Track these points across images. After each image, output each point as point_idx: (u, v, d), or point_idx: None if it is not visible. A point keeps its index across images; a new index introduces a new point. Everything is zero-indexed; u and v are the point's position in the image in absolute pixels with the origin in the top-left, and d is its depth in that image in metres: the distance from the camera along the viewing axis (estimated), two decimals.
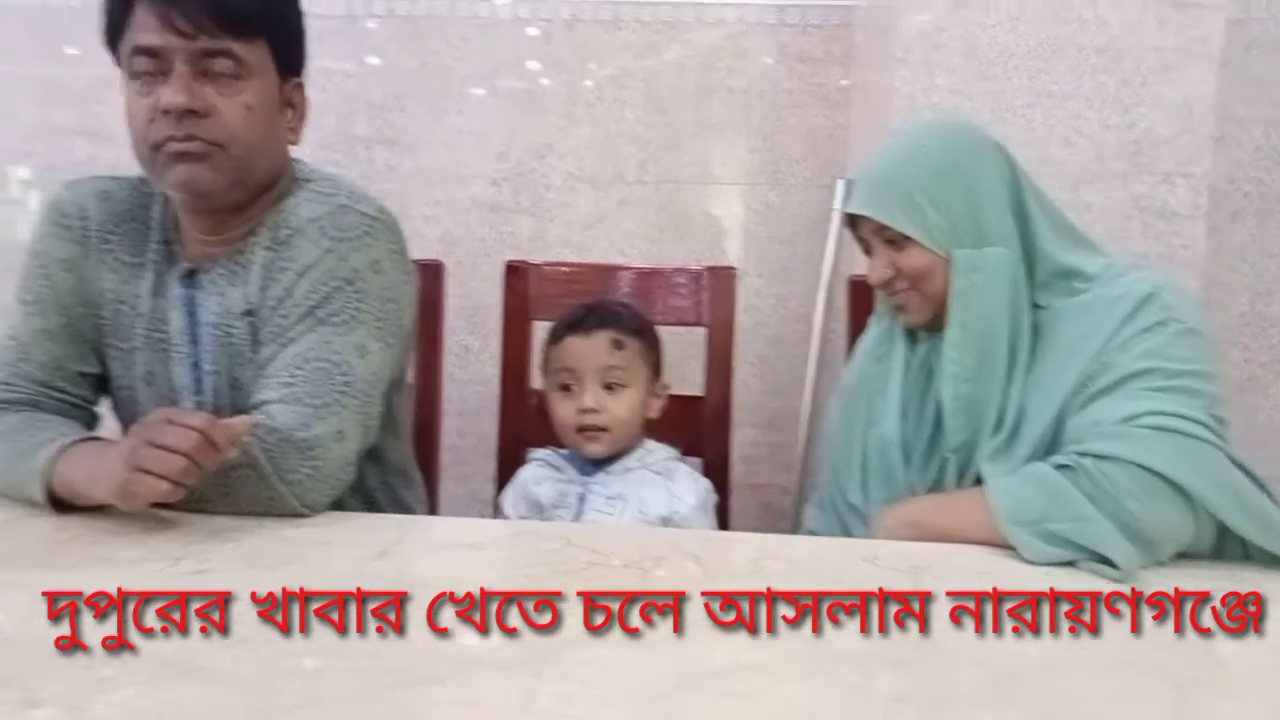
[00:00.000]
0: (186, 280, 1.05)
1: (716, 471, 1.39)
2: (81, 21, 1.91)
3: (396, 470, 1.20)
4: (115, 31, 0.98)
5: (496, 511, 1.27)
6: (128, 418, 1.12)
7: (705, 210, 1.95)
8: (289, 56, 1.04)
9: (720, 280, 1.46)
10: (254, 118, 0.99)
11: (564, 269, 1.50)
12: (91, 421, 1.10)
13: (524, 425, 1.46)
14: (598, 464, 1.17)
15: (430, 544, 0.90)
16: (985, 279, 0.98)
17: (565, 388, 1.17)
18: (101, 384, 1.11)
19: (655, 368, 1.21)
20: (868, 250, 1.07)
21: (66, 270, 1.07)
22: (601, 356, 1.15)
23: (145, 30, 0.94)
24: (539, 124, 1.94)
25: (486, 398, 1.75)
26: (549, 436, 1.27)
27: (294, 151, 1.09)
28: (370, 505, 1.14)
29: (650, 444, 1.20)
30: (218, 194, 1.00)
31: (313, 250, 1.01)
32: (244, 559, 0.80)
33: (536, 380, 1.49)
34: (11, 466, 0.95)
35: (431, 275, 1.44)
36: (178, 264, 1.06)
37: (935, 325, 1.03)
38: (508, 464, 1.45)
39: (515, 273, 1.49)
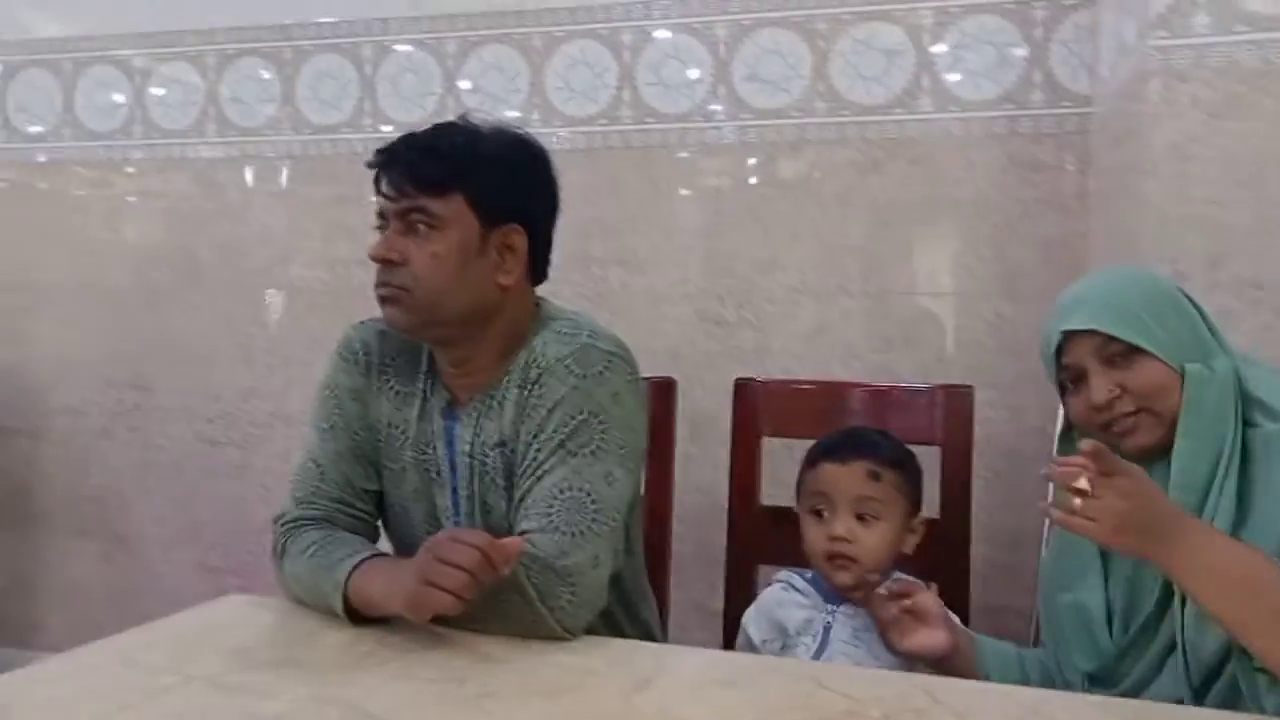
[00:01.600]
0: (447, 412, 1.17)
1: (955, 596, 1.34)
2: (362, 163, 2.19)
3: (633, 587, 1.25)
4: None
5: (731, 626, 1.28)
6: (398, 532, 1.24)
7: (933, 321, 1.92)
8: (490, 207, 1.14)
9: (956, 399, 1.43)
10: (441, 264, 1.10)
11: (793, 386, 1.52)
12: (374, 535, 1.23)
13: (753, 542, 1.48)
14: (845, 593, 1.16)
15: (687, 679, 0.92)
16: (1216, 391, 0.98)
17: (817, 512, 1.18)
18: (380, 500, 1.24)
19: (913, 501, 1.19)
20: (1075, 380, 1.05)
21: (353, 399, 1.21)
22: (856, 486, 1.15)
23: (378, 196, 1.13)
24: (763, 239, 2.00)
25: (708, 506, 1.79)
26: (780, 554, 1.28)
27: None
28: (609, 622, 1.18)
29: (900, 577, 1.18)
30: (412, 332, 1.14)
31: (560, 387, 1.10)
32: (520, 684, 0.86)
33: (766, 496, 1.50)
34: (315, 580, 1.07)
35: (664, 392, 1.50)
36: (439, 395, 1.18)
37: (1154, 452, 1.00)
38: (737, 579, 1.47)
39: (744, 390, 1.53)
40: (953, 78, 1.90)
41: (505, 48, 2.13)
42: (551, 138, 2.08)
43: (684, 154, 2.04)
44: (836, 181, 1.96)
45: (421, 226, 1.10)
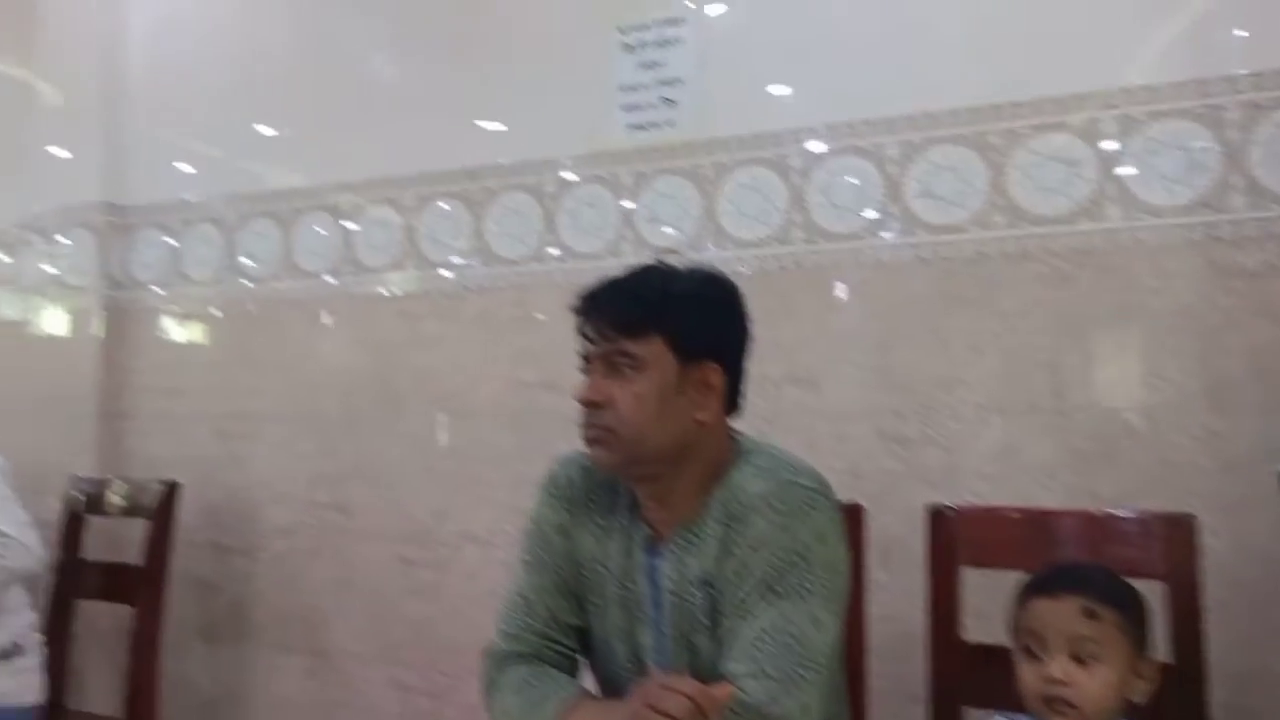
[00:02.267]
0: (649, 547, 1.19)
1: None
2: (546, 292, 2.32)
3: None
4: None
5: None
6: (601, 667, 1.26)
7: (1134, 438, 1.81)
8: (688, 347, 1.17)
9: (1178, 528, 1.34)
10: (643, 405, 1.14)
11: (994, 513, 1.47)
12: (576, 670, 1.25)
13: (958, 681, 1.41)
14: None
15: None
16: None
17: (1030, 652, 1.12)
18: (584, 635, 1.27)
19: (1138, 642, 1.11)
20: None
21: (558, 533, 1.26)
22: (1070, 624, 1.09)
23: (581, 340, 1.20)
24: (943, 355, 1.96)
25: (900, 636, 1.72)
26: (988, 695, 1.21)
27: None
28: None
29: None
30: (617, 470, 1.17)
31: (763, 525, 1.10)
32: None
33: (968, 630, 1.44)
34: (525, 717, 1.10)
35: (851, 518, 1.48)
36: (640, 530, 1.20)
37: None
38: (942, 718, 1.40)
39: (939, 518, 1.48)
40: (1141, 185, 1.84)
41: (677, 178, 2.23)
42: (724, 262, 2.14)
43: (857, 272, 2.05)
44: (1020, 295, 1.91)
45: (624, 368, 1.15)
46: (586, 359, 1.21)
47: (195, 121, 2.83)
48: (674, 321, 1.18)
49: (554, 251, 2.34)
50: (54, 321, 2.89)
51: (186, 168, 2.83)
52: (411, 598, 2.40)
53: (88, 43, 2.88)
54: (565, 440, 2.22)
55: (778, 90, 2.16)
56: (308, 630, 2.53)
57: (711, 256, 2.16)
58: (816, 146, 2.09)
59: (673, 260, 1.27)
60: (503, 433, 2.35)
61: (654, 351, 1.16)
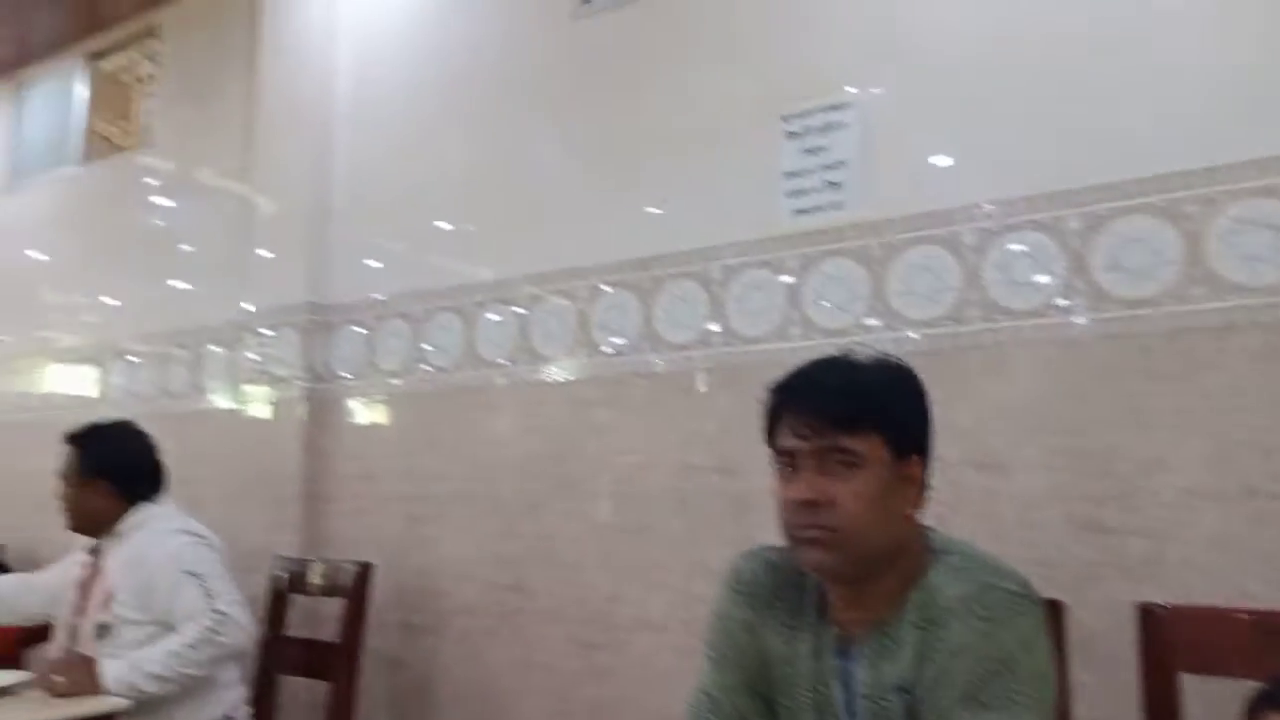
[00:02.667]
0: (840, 650, 1.16)
1: None
2: (714, 376, 2.34)
3: None
4: (769, 435, 1.21)
5: None
6: None
7: None
8: (902, 440, 1.14)
9: None
10: (866, 503, 1.10)
11: (1216, 614, 1.35)
12: None
13: None
14: None
15: None
16: None
17: None
18: None
19: None
20: None
21: (744, 631, 1.24)
22: None
23: (784, 436, 1.16)
24: (1143, 436, 1.84)
25: None
26: None
27: None
28: None
29: None
30: (841, 573, 1.13)
31: (964, 631, 1.06)
32: None
33: None
34: None
35: (1051, 616, 1.39)
36: (829, 631, 1.17)
37: None
38: None
39: (1152, 617, 1.38)
40: None
41: (844, 260, 2.22)
42: (896, 342, 2.10)
43: (1041, 349, 1.97)
44: (1227, 371, 1.77)
45: (840, 465, 1.12)
46: (787, 454, 1.16)
47: (387, 226, 3.07)
48: (888, 415, 1.15)
49: (720, 336, 2.37)
50: (262, 410, 3.16)
51: (378, 267, 3.07)
52: (589, 680, 2.42)
53: (298, 162, 3.19)
54: (735, 525, 2.24)
55: (945, 167, 2.14)
56: (490, 708, 2.60)
57: (881, 337, 2.13)
58: (990, 222, 2.04)
59: (850, 348, 1.26)
60: (674, 517, 2.36)
61: (871, 447, 1.13)
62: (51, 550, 3.83)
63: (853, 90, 2.25)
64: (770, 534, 2.15)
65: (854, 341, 2.16)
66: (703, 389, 2.38)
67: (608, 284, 2.57)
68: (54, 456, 3.82)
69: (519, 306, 2.73)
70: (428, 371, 2.90)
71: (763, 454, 2.23)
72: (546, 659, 2.51)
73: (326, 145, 3.20)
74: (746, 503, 2.25)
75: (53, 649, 2.37)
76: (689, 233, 2.45)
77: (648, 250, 2.51)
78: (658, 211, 2.52)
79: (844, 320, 2.20)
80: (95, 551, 2.36)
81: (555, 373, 2.64)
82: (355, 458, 3.01)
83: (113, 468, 2.31)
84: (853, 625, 1.16)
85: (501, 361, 2.75)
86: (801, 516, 1.12)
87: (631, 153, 2.59)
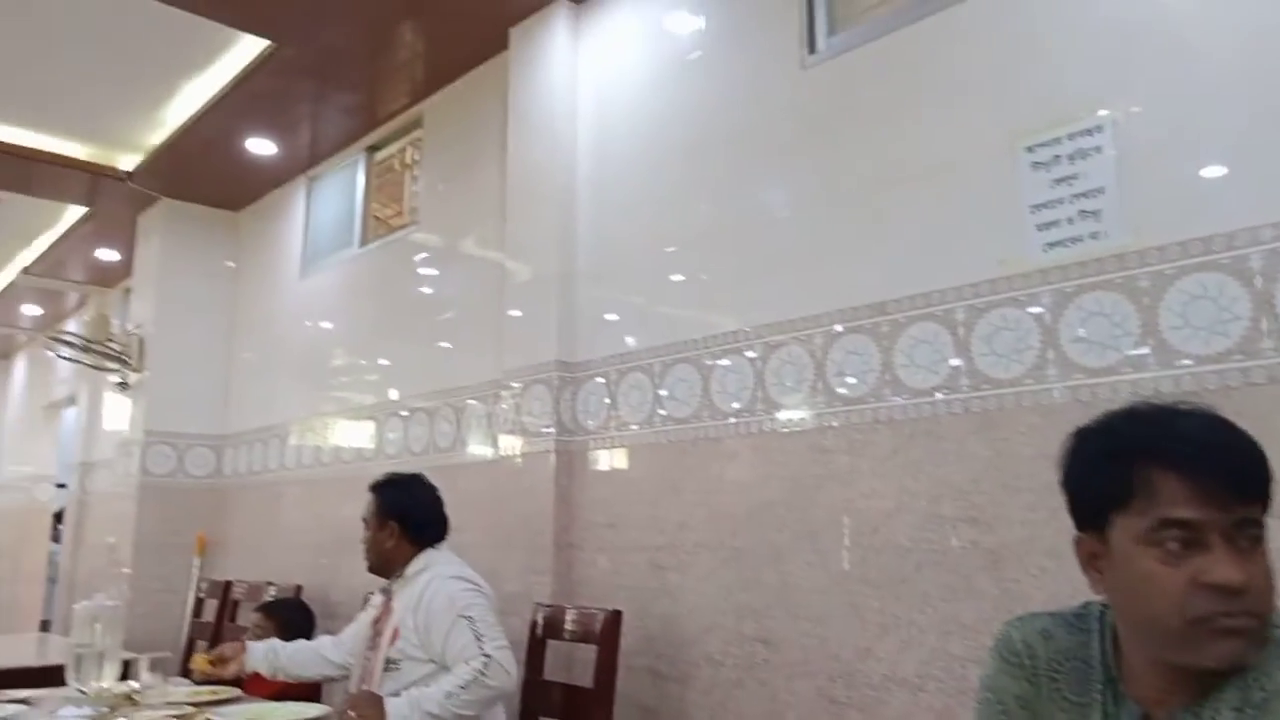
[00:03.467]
0: None
1: None
2: (961, 422, 2.23)
3: None
4: (1114, 499, 1.03)
5: None
6: None
7: None
8: (1270, 504, 1.00)
9: None
10: (1273, 584, 0.98)
11: None
12: None
13: None
14: None
15: None
16: None
17: None
18: None
19: None
20: None
21: (1021, 706, 1.15)
22: None
23: (1177, 503, 0.97)
24: None
25: None
26: None
27: None
28: None
29: None
30: (1242, 662, 0.98)
31: None
32: None
33: None
34: None
35: None
36: (1127, 709, 1.06)
37: None
38: None
39: None
40: None
41: (1106, 293, 2.06)
42: (1173, 380, 1.92)
43: None
44: None
45: (1248, 541, 0.98)
46: (1190, 527, 0.97)
47: (627, 284, 3.21)
48: (1273, 481, 1.01)
49: (967, 379, 2.26)
50: (518, 462, 3.37)
51: (620, 324, 3.20)
52: None
53: (546, 230, 3.43)
54: (991, 581, 2.11)
55: (1222, 186, 1.94)
56: None
57: (1154, 375, 1.95)
58: None
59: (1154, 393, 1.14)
60: (924, 570, 2.26)
61: (1266, 516, 1.00)
62: (341, 592, 4.27)
63: (1104, 113, 2.10)
64: (1030, 589, 2.03)
65: (1122, 381, 2.00)
66: (950, 435, 2.27)
67: (844, 329, 2.54)
68: (343, 506, 4.26)
69: (754, 355, 2.75)
70: (667, 422, 2.98)
71: (1018, 505, 2.11)
72: (796, 714, 2.46)
73: (570, 213, 3.41)
74: (1001, 557, 2.11)
75: (350, 684, 2.63)
76: (928, 273, 2.37)
77: (884, 293, 2.45)
78: (894, 253, 2.47)
79: (1109, 358, 2.04)
80: (387, 592, 2.61)
81: (793, 420, 2.63)
82: (602, 507, 3.13)
83: (404, 513, 2.56)
84: (1158, 703, 1.04)
85: (738, 410, 2.77)
86: (1226, 603, 0.95)
87: (865, 196, 2.56)
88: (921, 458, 2.32)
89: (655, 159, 3.20)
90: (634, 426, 3.08)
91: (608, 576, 3.06)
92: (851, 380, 2.50)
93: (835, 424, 2.52)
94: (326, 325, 4.94)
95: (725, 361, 2.83)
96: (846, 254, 2.58)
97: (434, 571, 2.48)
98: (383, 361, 4.48)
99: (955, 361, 2.29)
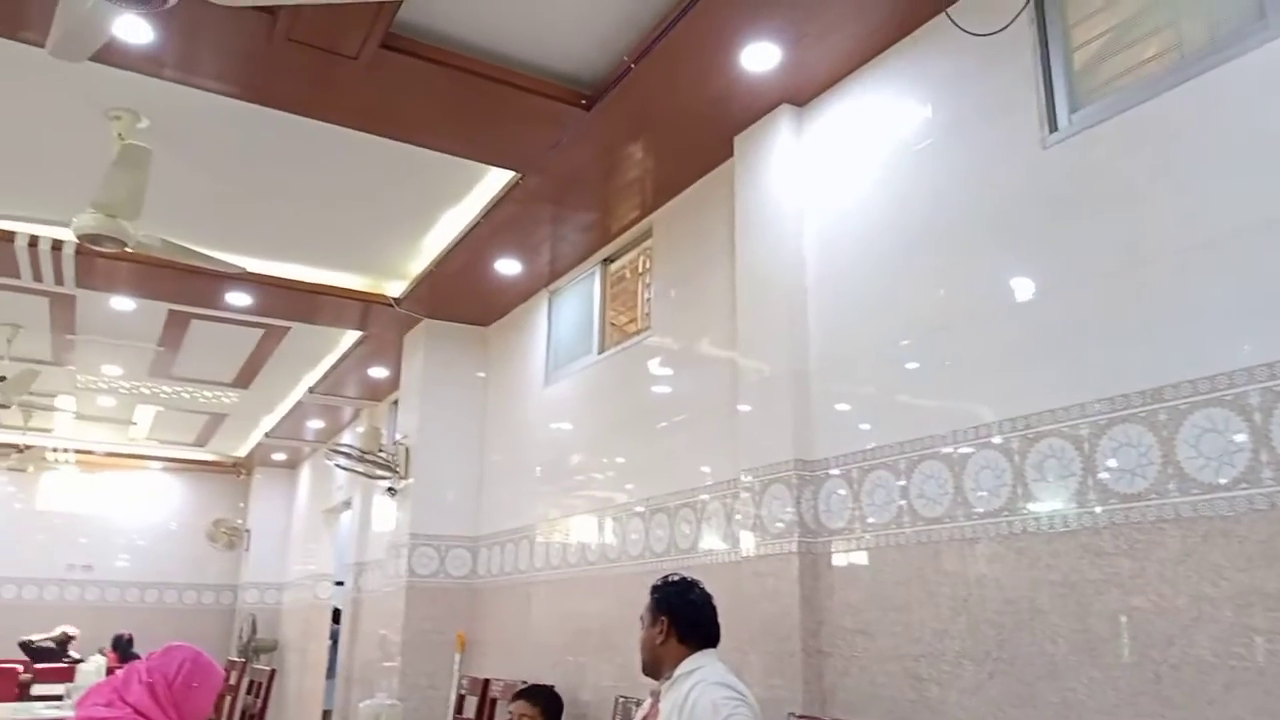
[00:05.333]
0: None
1: None
2: (1270, 522, 1.97)
3: None
4: None
5: None
6: None
7: None
8: None
9: None
10: None
11: None
12: None
13: None
14: None
15: None
16: None
17: None
18: None
19: None
20: None
21: None
22: None
23: None
24: None
25: None
26: None
27: None
28: None
29: None
30: None
31: None
32: None
33: None
34: None
35: None
36: None
37: None
38: None
39: None
40: None
41: None
42: None
43: None
44: None
45: None
46: None
47: (862, 381, 3.14)
48: None
49: (1270, 471, 2.00)
50: (760, 565, 3.32)
51: (857, 421, 3.13)
52: None
53: (776, 329, 3.45)
54: None
55: None
56: None
57: None
58: None
59: None
60: (1236, 690, 1.98)
61: None
62: (589, 692, 4.34)
63: None
64: None
65: None
66: (1254, 535, 2.01)
67: (1112, 418, 2.33)
68: (589, 605, 4.37)
69: (1010, 449, 2.59)
70: (916, 521, 2.84)
71: None
72: None
73: (801, 309, 3.41)
74: None
75: None
76: (1208, 355, 2.15)
77: (1157, 378, 2.25)
78: (1164, 335, 2.26)
79: None
80: (656, 695, 2.62)
81: (1059, 519, 2.42)
82: (851, 612, 3.01)
83: (674, 612, 2.58)
84: None
85: (997, 509, 2.60)
86: None
87: (1123, 275, 2.38)
88: (1221, 561, 2.06)
89: (887, 250, 3.15)
90: (880, 527, 2.97)
91: (862, 686, 2.91)
92: (1126, 475, 2.28)
93: (1110, 523, 2.30)
94: (569, 429, 5.17)
95: (977, 456, 2.68)
96: (1106, 337, 2.40)
97: (701, 676, 2.47)
98: (622, 462, 4.62)
99: (1253, 451, 2.04)
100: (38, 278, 5.53)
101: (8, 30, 3.26)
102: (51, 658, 7.45)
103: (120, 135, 3.88)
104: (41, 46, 3.06)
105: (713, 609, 2.63)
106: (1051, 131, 2.66)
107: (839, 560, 3.10)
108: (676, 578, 2.68)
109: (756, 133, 3.72)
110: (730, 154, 3.89)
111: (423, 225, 5.07)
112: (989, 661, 2.54)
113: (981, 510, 2.64)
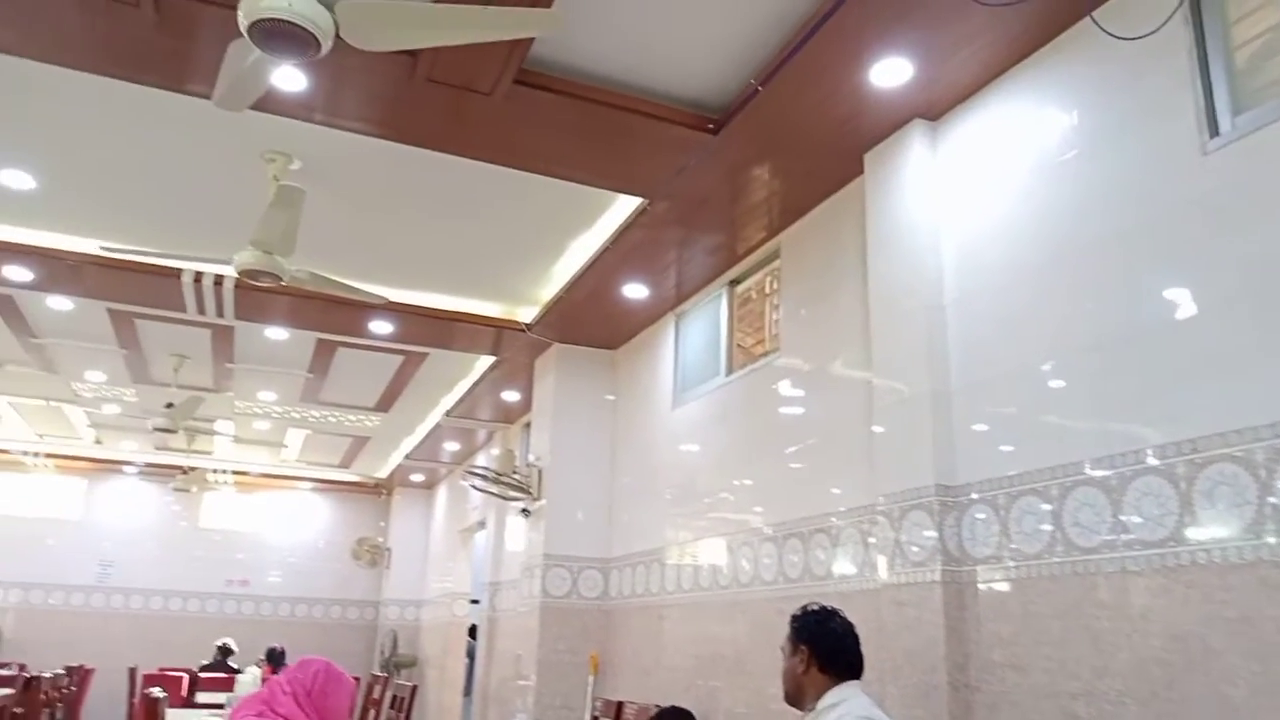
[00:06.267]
0: None
1: None
2: None
3: None
4: None
5: None
6: None
7: None
8: None
9: None
10: None
11: None
12: None
13: None
14: None
15: None
16: None
17: None
18: None
19: None
20: None
21: None
22: None
23: None
24: None
25: None
26: None
27: None
28: None
29: None
30: None
31: None
32: None
33: None
34: None
35: None
36: None
37: None
38: None
39: None
40: None
41: None
42: None
43: None
44: None
45: None
46: None
47: (1007, 401, 3.01)
48: None
49: None
50: (899, 593, 3.21)
51: (1001, 443, 3.00)
52: None
53: (913, 349, 3.35)
54: None
55: None
56: None
57: None
58: None
59: None
60: None
61: None
62: (722, 716, 4.29)
63: None
64: None
65: None
66: None
67: None
68: (722, 629, 4.33)
69: (1173, 475, 2.42)
70: (1071, 551, 2.69)
71: None
72: None
73: (939, 328, 3.31)
74: None
75: None
76: None
77: None
78: None
79: None
80: None
81: (1234, 550, 2.25)
82: (1001, 644, 2.87)
83: (815, 641, 2.52)
84: None
85: (1160, 538, 2.44)
86: None
87: None
88: None
89: (1031, 265, 3.02)
90: (1031, 556, 2.82)
91: None
92: None
93: None
94: (698, 452, 5.17)
95: (1137, 482, 2.52)
96: (1277, 356, 2.22)
97: (846, 710, 2.40)
98: (751, 485, 4.57)
99: None
100: (201, 311, 5.94)
101: (174, 84, 3.53)
102: (214, 667, 7.92)
103: (275, 177, 4.14)
104: (204, 98, 3.31)
105: (854, 638, 2.55)
106: (1212, 137, 2.50)
107: (985, 590, 2.97)
108: (816, 606, 2.62)
109: (887, 149, 3.65)
110: (860, 171, 3.82)
111: (553, 253, 5.18)
112: (1156, 702, 2.37)
113: (1144, 540, 2.48)
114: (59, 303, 6.07)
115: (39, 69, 3.49)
